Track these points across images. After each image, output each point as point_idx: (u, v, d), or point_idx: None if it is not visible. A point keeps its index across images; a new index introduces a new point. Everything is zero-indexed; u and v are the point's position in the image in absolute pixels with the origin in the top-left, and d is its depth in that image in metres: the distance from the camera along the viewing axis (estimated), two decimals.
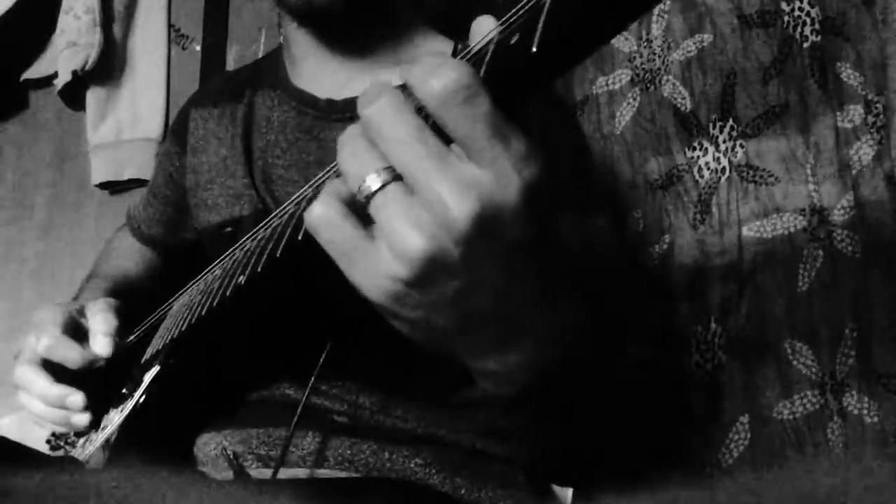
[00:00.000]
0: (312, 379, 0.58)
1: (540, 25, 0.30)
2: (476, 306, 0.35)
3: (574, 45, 0.32)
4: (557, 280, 0.39)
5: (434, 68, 0.31)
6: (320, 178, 0.47)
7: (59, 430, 0.71)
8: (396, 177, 0.33)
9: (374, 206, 0.33)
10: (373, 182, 0.33)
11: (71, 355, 0.68)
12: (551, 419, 0.48)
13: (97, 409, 0.70)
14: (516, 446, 0.68)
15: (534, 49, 0.30)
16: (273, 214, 0.54)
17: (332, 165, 0.45)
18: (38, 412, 0.69)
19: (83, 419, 0.68)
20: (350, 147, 0.34)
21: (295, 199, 0.49)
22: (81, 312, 0.72)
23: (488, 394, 0.43)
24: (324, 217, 0.34)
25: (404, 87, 0.33)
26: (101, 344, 0.68)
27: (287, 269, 0.47)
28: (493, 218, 0.32)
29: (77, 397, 0.67)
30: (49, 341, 0.68)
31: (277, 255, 0.45)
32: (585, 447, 0.53)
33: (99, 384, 0.70)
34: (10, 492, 0.29)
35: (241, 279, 0.51)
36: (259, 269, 0.48)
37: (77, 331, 0.70)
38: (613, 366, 0.51)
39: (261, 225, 0.56)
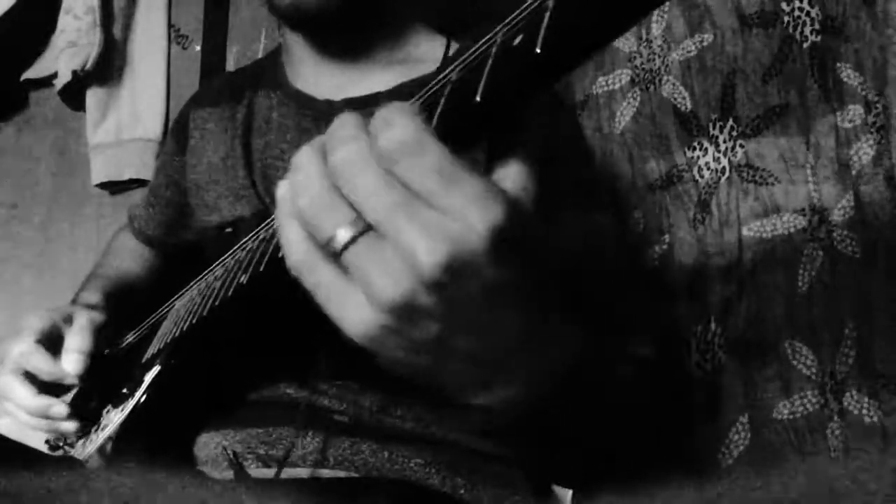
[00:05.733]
0: (315, 379, 0.58)
1: (544, 26, 0.30)
2: (458, 348, 0.35)
3: (578, 45, 0.32)
4: (552, 313, 0.39)
5: (384, 123, 0.32)
6: None
7: (46, 435, 0.71)
8: (366, 227, 0.32)
9: (347, 258, 0.33)
10: (343, 235, 0.33)
11: (41, 367, 0.68)
12: (550, 432, 0.48)
13: (95, 408, 0.70)
14: (516, 449, 0.68)
15: (538, 49, 0.30)
16: (274, 214, 0.54)
17: None
18: (23, 421, 0.69)
19: (69, 427, 0.68)
20: (315, 195, 0.34)
21: None
22: (69, 320, 0.72)
23: (486, 424, 0.43)
24: (302, 263, 0.35)
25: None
26: (69, 361, 0.68)
27: (288, 269, 0.47)
28: (462, 262, 0.32)
29: (60, 408, 0.67)
30: (21, 350, 0.68)
31: (280, 255, 0.45)
32: (586, 450, 0.53)
33: (97, 384, 0.70)
34: (11, 492, 0.29)
35: (243, 279, 0.51)
36: (261, 269, 0.48)
37: (58, 340, 0.70)
38: (613, 368, 0.51)
39: (262, 224, 0.56)
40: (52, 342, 0.70)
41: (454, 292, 0.32)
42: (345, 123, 0.34)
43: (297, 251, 0.35)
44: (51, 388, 0.69)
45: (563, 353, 0.40)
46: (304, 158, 0.35)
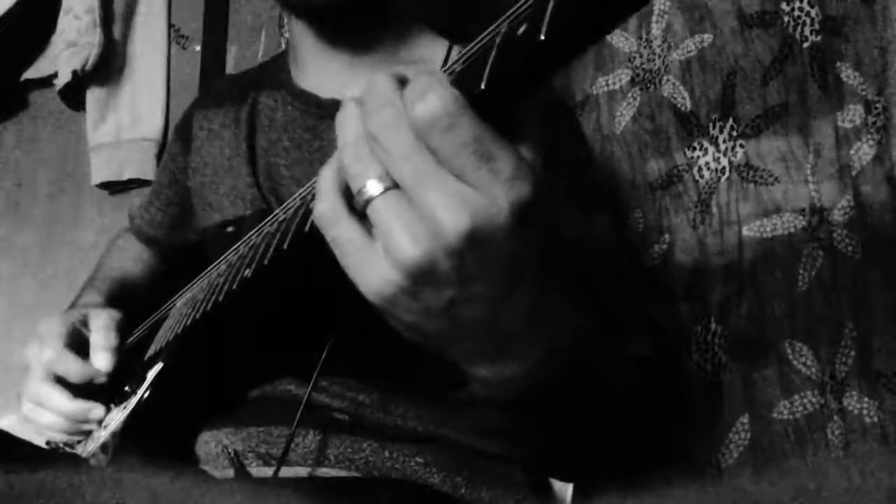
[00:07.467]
0: (314, 378, 0.59)
1: (548, 14, 0.31)
2: (469, 317, 0.36)
3: (582, 32, 0.32)
4: (558, 293, 0.40)
5: (420, 94, 0.32)
6: None
7: (67, 438, 0.71)
8: (395, 184, 0.34)
9: (373, 210, 0.34)
10: (373, 187, 0.34)
11: (73, 369, 0.69)
12: (548, 419, 0.48)
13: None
14: (516, 445, 0.68)
15: (542, 37, 0.31)
16: (277, 210, 0.54)
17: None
18: (51, 425, 0.70)
19: (95, 428, 0.69)
20: (353, 148, 0.35)
21: (300, 194, 0.49)
22: (85, 322, 0.74)
23: (481, 396, 0.44)
24: (329, 213, 0.36)
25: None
26: (101, 360, 0.70)
27: (293, 262, 0.47)
28: (485, 235, 0.33)
29: (99, 410, 0.68)
30: (51, 355, 0.69)
31: (284, 247, 0.46)
32: (585, 444, 0.54)
33: (100, 385, 0.70)
34: (14, 490, 0.29)
35: (247, 272, 0.51)
36: (266, 262, 0.48)
37: (80, 342, 0.72)
38: (612, 364, 0.51)
39: (265, 221, 0.56)
40: (75, 344, 0.71)
41: (472, 262, 0.33)
42: (381, 85, 0.35)
43: (326, 200, 0.36)
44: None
45: (567, 335, 0.41)
46: (347, 116, 0.36)
